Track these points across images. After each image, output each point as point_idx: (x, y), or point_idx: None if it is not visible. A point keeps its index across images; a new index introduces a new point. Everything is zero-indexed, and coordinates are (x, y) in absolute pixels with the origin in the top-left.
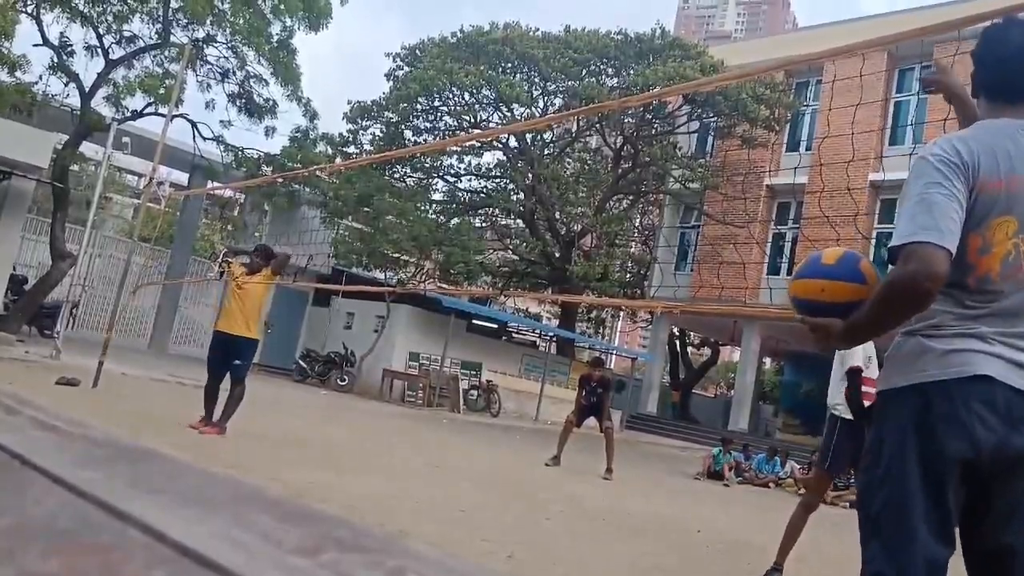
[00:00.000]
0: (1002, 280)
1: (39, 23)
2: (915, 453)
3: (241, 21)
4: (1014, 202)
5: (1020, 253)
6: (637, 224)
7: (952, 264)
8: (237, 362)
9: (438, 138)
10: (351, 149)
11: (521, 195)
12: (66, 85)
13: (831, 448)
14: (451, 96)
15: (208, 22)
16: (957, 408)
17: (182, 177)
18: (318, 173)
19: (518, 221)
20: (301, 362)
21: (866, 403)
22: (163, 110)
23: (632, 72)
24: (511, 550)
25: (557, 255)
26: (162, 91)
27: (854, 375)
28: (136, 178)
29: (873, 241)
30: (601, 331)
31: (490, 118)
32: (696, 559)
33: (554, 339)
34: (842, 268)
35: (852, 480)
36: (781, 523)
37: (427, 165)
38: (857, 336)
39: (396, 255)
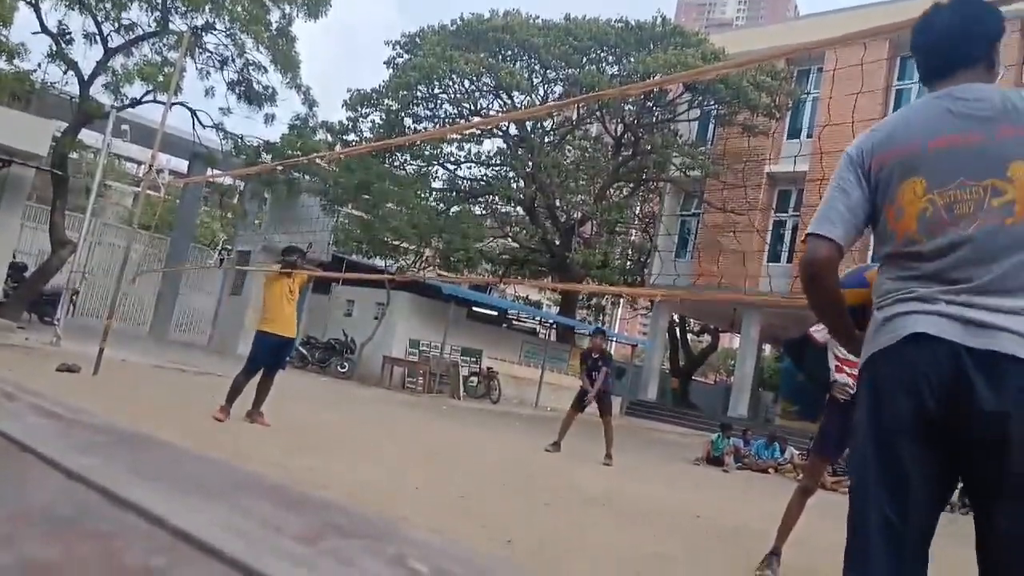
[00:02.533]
0: (925, 237)
1: (37, 11)
2: (867, 421)
3: (240, 8)
4: (917, 163)
5: (938, 208)
6: (637, 212)
7: (879, 239)
8: (284, 359)
9: (438, 126)
10: (351, 137)
11: (521, 183)
12: (65, 73)
13: (820, 429)
14: (451, 84)
15: (207, 9)
16: (896, 370)
17: (181, 165)
18: (318, 161)
19: (518, 209)
20: (301, 349)
21: (837, 376)
22: (162, 98)
23: (632, 60)
24: (511, 536)
25: (557, 243)
26: (161, 79)
27: (807, 338)
28: (135, 166)
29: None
30: (601, 318)
31: (490, 106)
32: (696, 544)
33: (554, 326)
34: (850, 277)
35: None
36: (780, 508)
37: (427, 153)
38: (831, 328)
39: (396, 242)
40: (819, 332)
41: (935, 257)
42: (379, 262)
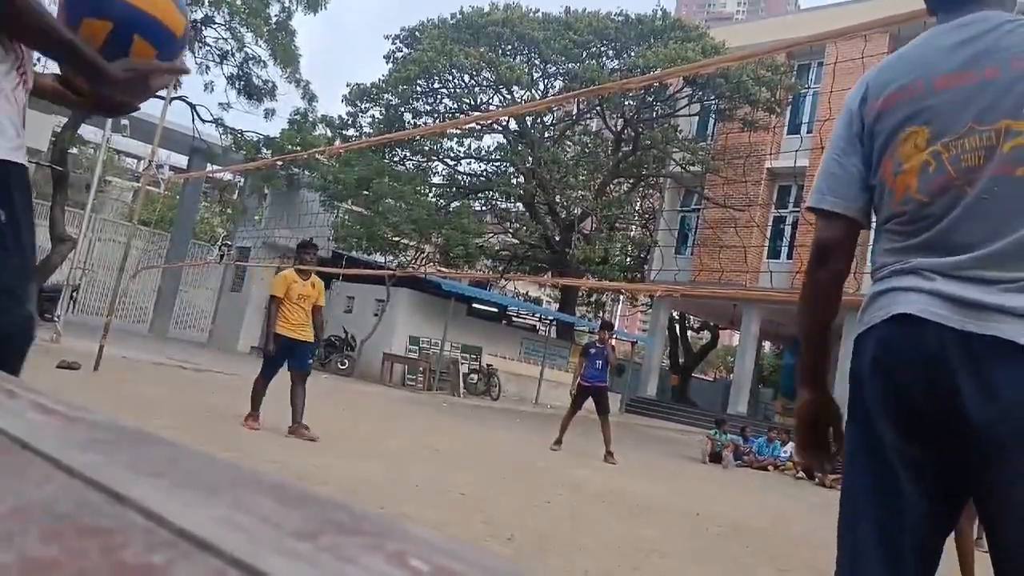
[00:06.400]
0: (927, 197)
1: None
2: (850, 413)
3: (239, 2)
4: (918, 107)
5: (943, 161)
6: (637, 207)
7: (877, 200)
8: (304, 361)
9: (438, 121)
10: (350, 132)
11: (521, 178)
12: None
13: None
14: (451, 78)
15: (206, 3)
16: (876, 356)
17: (181, 160)
18: (317, 156)
19: (518, 204)
20: None
21: None
22: (161, 92)
23: (633, 54)
24: (511, 533)
25: (557, 239)
26: None
27: None
28: (135, 161)
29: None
30: (601, 315)
31: (490, 100)
32: (695, 542)
33: (554, 323)
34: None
35: None
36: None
37: (427, 148)
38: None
39: (396, 238)
40: None
41: (936, 221)
42: (379, 258)
